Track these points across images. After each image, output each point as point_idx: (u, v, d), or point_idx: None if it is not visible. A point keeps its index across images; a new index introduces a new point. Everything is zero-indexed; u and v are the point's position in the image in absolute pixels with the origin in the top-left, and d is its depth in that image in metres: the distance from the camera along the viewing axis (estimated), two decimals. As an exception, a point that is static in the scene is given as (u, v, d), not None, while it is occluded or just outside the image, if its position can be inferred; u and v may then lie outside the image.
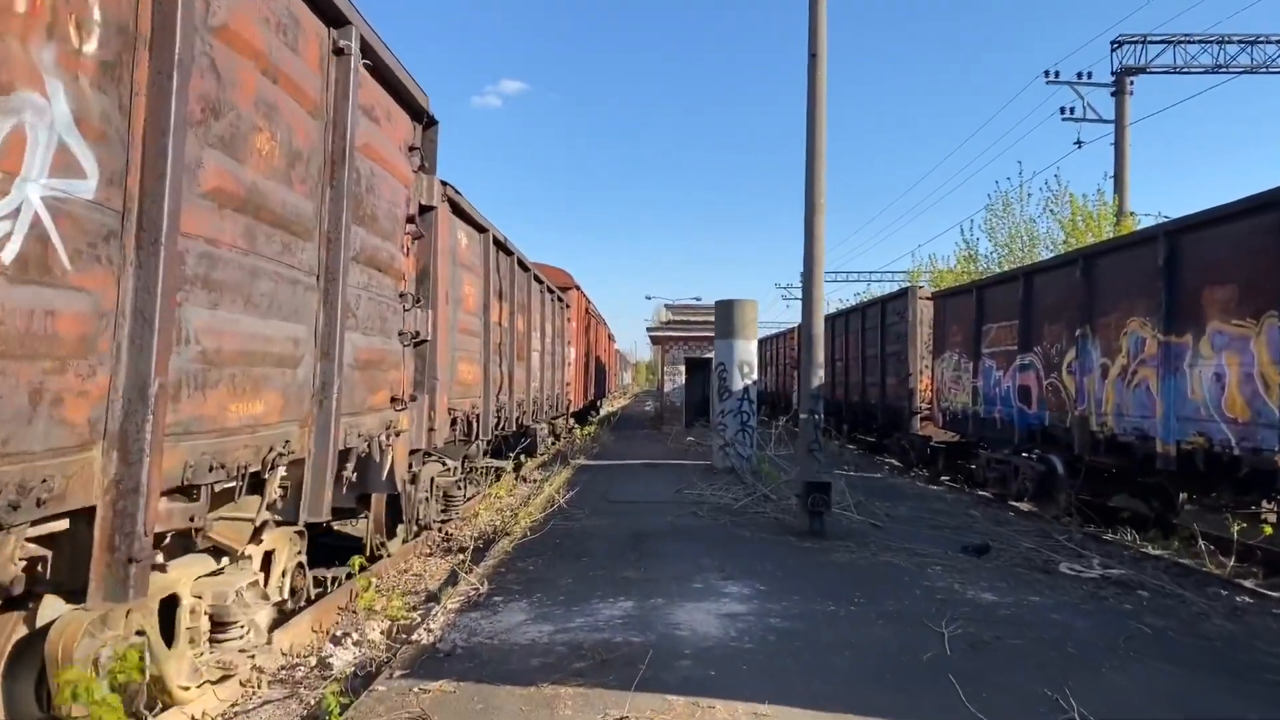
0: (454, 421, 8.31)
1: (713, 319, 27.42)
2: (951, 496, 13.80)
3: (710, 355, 26.84)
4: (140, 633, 3.73)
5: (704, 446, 20.17)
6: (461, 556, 8.37)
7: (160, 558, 3.84)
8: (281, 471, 4.26)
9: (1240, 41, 19.86)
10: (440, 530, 9.78)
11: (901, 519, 10.75)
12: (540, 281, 14.21)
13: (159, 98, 2.89)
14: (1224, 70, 19.97)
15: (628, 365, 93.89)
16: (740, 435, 15.10)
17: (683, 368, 26.21)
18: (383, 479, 5.85)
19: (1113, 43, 20.36)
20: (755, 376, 15.44)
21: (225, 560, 4.57)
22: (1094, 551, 8.93)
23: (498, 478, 15.05)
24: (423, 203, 6.55)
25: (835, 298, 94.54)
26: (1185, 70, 20.19)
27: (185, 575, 4.22)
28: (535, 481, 15.58)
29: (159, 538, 3.54)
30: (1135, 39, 20.16)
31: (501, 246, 10.44)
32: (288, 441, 4.15)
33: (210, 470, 3.39)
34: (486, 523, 10.17)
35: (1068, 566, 8.18)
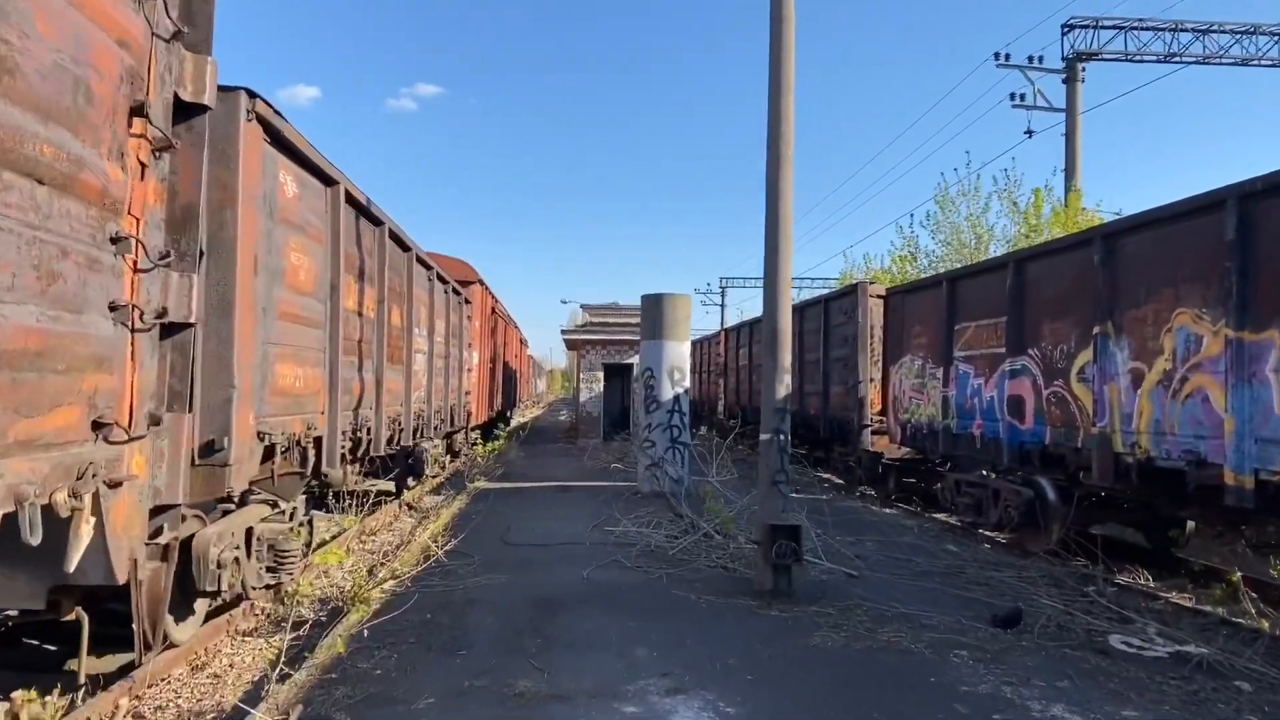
0: (272, 450, 5.69)
1: (634, 321, 25.09)
2: (914, 524, 11.78)
3: (631, 360, 24.56)
4: None
5: (626, 464, 17.79)
6: (296, 634, 5.76)
7: None
8: None
9: (1194, 30, 18.74)
10: (275, 593, 7.11)
11: (874, 561, 8.59)
12: (429, 268, 11.59)
13: None
14: (1177, 59, 18.80)
15: (542, 372, 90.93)
16: (671, 453, 12.76)
17: (601, 374, 23.80)
18: (70, 566, 3.24)
19: (1064, 26, 18.99)
20: (688, 384, 13.15)
21: None
22: (1134, 611, 6.87)
23: (374, 507, 12.34)
24: (182, 95, 3.96)
25: (751, 307, 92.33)
26: (1138, 58, 18.95)
27: None
28: (424, 510, 12.93)
29: None
30: (1087, 22, 18.81)
31: (363, 210, 7.83)
32: None
33: None
34: (332, 585, 7.53)
35: (1122, 640, 6.09)
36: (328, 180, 6.73)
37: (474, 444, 18.84)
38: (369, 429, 8.25)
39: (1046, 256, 9.25)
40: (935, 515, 12.61)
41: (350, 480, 11.14)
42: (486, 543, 9.10)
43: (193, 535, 5.52)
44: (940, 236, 22.12)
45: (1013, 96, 19.84)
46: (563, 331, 23.92)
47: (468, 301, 16.80)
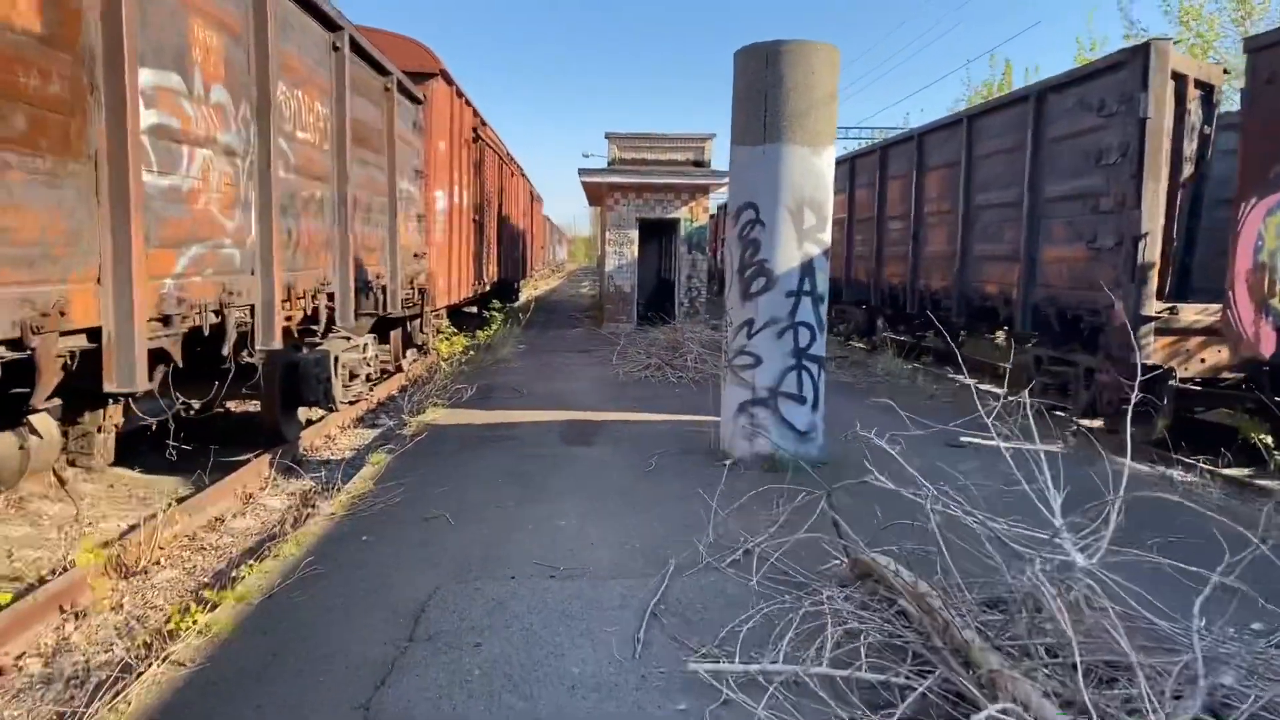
0: None
1: (680, 158, 17.71)
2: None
3: (676, 215, 17.25)
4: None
5: (676, 367, 11.29)
6: None
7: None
8: None
9: None
10: None
11: None
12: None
13: None
14: None
15: (563, 239, 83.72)
16: (795, 380, 6.20)
17: (634, 234, 16.95)
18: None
19: None
20: (828, 238, 6.42)
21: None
22: None
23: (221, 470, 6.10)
24: None
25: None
26: None
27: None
28: (303, 492, 6.66)
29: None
30: None
31: None
32: None
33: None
34: None
35: None
36: None
37: (443, 334, 12.33)
38: None
39: None
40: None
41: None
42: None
43: None
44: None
45: None
46: (581, 172, 16.92)
47: (417, 101, 9.91)
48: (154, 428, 5.90)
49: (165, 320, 3.98)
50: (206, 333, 4.38)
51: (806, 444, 6.29)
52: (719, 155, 17.47)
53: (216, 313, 4.56)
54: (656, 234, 18.40)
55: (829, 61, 6.27)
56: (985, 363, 13.23)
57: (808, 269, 6.23)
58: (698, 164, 16.88)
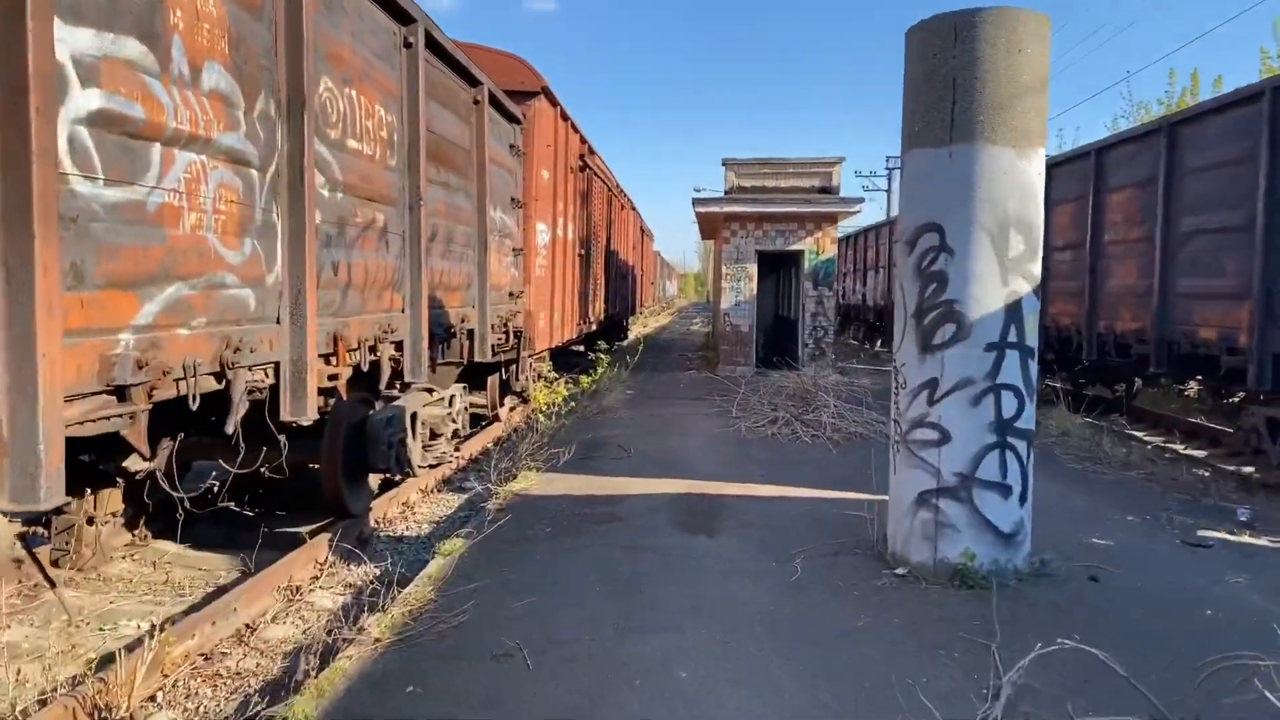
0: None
1: (803, 185, 16.03)
2: None
3: (799, 246, 15.73)
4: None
5: (813, 429, 9.62)
6: None
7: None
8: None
9: None
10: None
11: None
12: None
13: None
14: None
15: (672, 274, 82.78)
16: (996, 462, 4.54)
17: (753, 267, 15.44)
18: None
19: None
20: (1038, 270, 4.75)
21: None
22: None
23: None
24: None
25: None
26: None
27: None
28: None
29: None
30: None
31: None
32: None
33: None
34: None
35: None
36: None
37: (544, 379, 11.10)
38: None
39: None
40: None
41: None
42: None
43: None
44: None
45: None
46: (695, 201, 15.61)
47: (515, 121, 8.78)
48: (213, 491, 4.82)
49: (119, 393, 2.76)
50: (195, 404, 3.15)
51: (1011, 551, 4.61)
52: (848, 181, 15.87)
53: (217, 375, 3.33)
54: (775, 268, 16.82)
55: (1039, 35, 4.67)
56: (1171, 417, 10.98)
57: (1014, 312, 4.59)
58: (825, 190, 15.28)
